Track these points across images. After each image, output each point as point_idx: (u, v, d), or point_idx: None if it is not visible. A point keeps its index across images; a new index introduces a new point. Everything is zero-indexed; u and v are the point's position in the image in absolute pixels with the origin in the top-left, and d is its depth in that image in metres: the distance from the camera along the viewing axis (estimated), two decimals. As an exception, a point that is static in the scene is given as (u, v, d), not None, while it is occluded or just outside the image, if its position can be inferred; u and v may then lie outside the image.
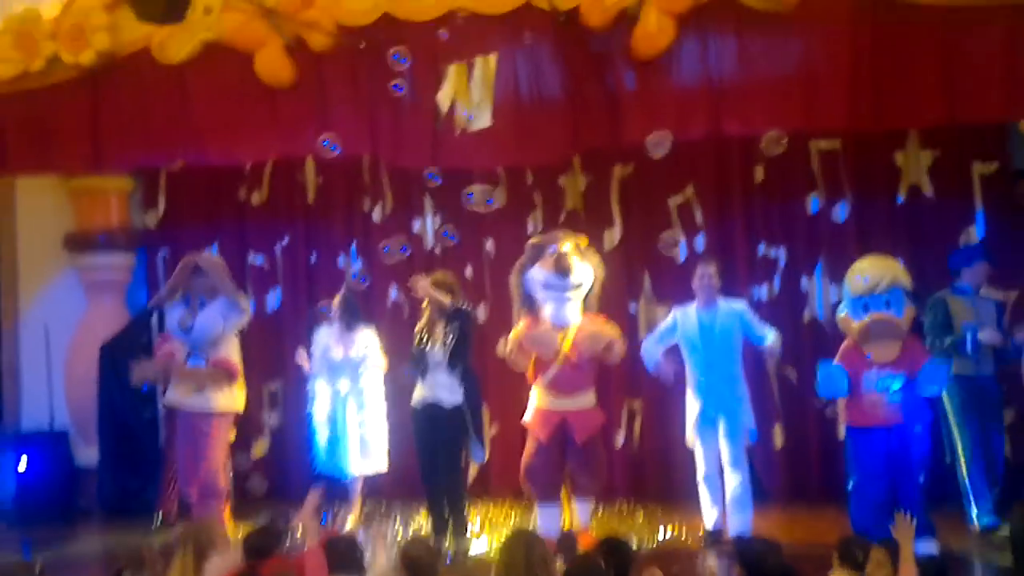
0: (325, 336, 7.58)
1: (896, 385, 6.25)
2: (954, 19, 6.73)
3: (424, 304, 7.12)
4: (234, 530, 7.03)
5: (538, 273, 6.74)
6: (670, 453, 8.15)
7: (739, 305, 7.10)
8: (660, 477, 8.30)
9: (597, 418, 6.93)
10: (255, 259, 8.97)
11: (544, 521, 6.78)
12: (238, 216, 8.99)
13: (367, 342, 7.57)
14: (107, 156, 8.24)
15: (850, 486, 6.49)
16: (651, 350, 7.12)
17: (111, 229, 9.06)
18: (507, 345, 6.78)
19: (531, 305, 6.84)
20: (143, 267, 9.23)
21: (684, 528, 7.28)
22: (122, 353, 8.62)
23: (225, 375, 7.18)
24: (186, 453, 7.26)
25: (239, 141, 8.03)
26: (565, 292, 6.70)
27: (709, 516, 7.03)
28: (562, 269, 6.64)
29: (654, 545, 6.97)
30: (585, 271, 6.76)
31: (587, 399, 6.87)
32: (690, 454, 8.00)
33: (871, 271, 6.33)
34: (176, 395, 7.30)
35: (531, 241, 6.96)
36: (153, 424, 8.70)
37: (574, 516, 6.91)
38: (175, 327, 7.24)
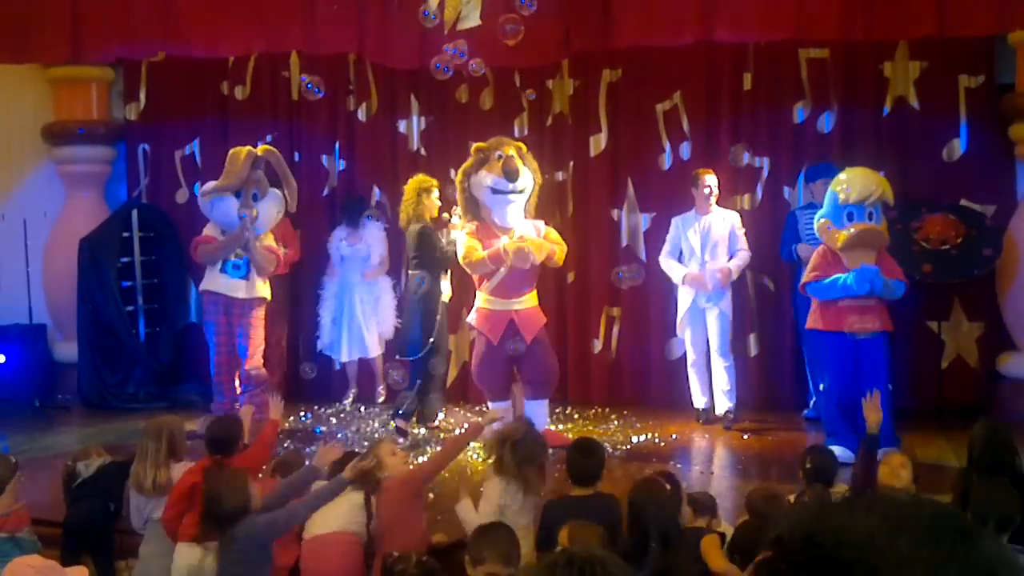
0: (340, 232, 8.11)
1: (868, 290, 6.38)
2: None
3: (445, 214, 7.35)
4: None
5: (485, 177, 6.89)
6: (646, 361, 8.39)
7: (733, 215, 7.62)
8: (635, 384, 8.48)
9: (541, 317, 7.17)
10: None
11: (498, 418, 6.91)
12: (220, 111, 8.95)
13: (373, 238, 8.03)
14: (87, 46, 8.19)
15: (820, 390, 6.76)
16: (669, 264, 7.68)
17: (91, 121, 9.08)
18: (466, 251, 6.92)
19: (475, 208, 7.02)
20: (123, 161, 9.20)
21: (657, 433, 7.41)
22: (101, 247, 8.62)
23: (274, 260, 7.49)
24: (225, 341, 7.45)
25: (223, 34, 7.99)
26: (510, 195, 6.86)
27: (699, 399, 7.66)
28: (509, 172, 6.80)
29: (627, 447, 7.07)
30: (527, 176, 6.92)
31: (531, 299, 7.09)
32: (665, 362, 8.19)
33: (859, 183, 6.47)
34: (219, 283, 7.41)
35: (476, 145, 7.06)
36: (133, 318, 8.72)
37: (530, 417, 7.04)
38: (228, 218, 7.34)
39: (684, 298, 7.62)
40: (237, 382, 7.50)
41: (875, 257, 6.46)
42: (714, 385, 7.69)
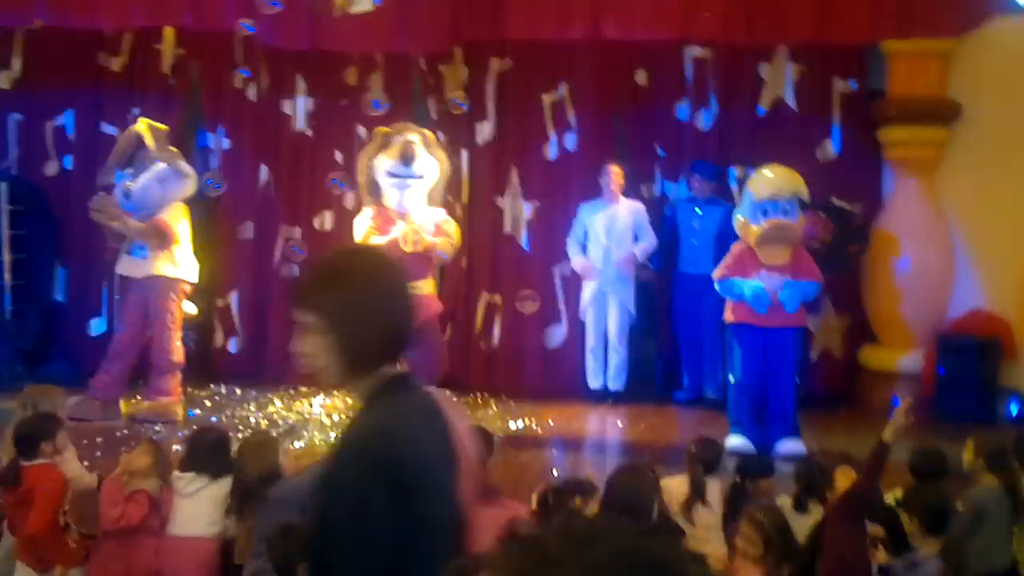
0: None
1: (784, 287, 6.72)
2: None
3: None
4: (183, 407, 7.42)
5: (383, 161, 7.08)
6: (525, 349, 8.61)
7: (638, 205, 8.10)
8: (513, 372, 8.68)
9: (434, 305, 7.38)
10: (107, 128, 8.72)
11: None
12: (96, 83, 8.85)
13: None
14: None
15: (730, 382, 7.05)
16: (573, 250, 8.10)
17: None
18: (364, 236, 7.09)
19: (376, 191, 7.18)
20: None
21: (534, 420, 7.57)
22: None
23: (156, 233, 7.23)
24: (133, 323, 7.34)
25: (102, 4, 7.98)
26: (407, 180, 7.00)
27: (593, 380, 8.17)
28: (406, 157, 7.00)
29: (505, 434, 7.20)
30: (430, 164, 7.11)
31: (426, 285, 7.25)
32: (544, 351, 8.31)
33: (775, 181, 6.81)
34: (124, 265, 7.39)
35: (379, 129, 7.21)
36: None
37: None
38: (120, 196, 7.28)
39: (589, 284, 8.08)
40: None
41: (790, 252, 6.77)
42: (608, 368, 8.17)
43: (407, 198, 7.07)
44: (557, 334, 8.62)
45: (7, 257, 8.62)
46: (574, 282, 8.49)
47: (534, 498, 4.56)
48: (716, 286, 6.91)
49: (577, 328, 8.52)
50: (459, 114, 8.24)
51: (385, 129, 7.16)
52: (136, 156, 7.31)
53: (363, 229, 7.03)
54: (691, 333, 8.24)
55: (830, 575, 4.22)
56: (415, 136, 7.06)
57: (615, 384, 8.20)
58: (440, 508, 2.30)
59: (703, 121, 8.40)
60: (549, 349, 8.60)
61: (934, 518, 4.23)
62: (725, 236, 7.45)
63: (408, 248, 6.96)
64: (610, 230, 7.95)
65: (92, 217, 7.44)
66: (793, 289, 6.66)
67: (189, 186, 7.50)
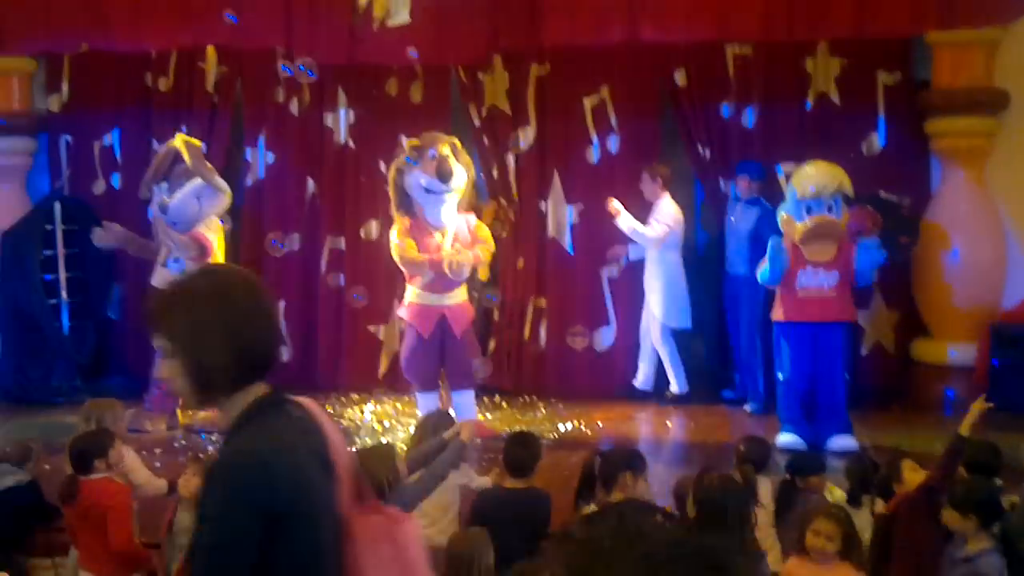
0: None
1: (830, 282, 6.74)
2: None
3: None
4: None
5: (419, 177, 7.05)
6: (573, 351, 8.54)
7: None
8: (562, 374, 8.74)
9: (470, 312, 7.42)
10: (156, 146, 8.78)
11: (425, 409, 7.21)
12: (143, 102, 9.02)
13: None
14: (9, 38, 8.29)
15: (779, 379, 7.08)
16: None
17: (12, 112, 9.10)
18: (402, 250, 7.11)
19: (408, 205, 7.17)
20: (45, 152, 9.25)
21: (583, 422, 7.58)
22: (23, 241, 8.62)
23: (196, 246, 7.41)
24: None
25: (147, 27, 8.13)
26: (443, 195, 7.04)
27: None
28: (443, 174, 6.97)
29: (555, 437, 7.28)
30: (460, 173, 7.11)
31: (461, 293, 7.32)
32: (593, 353, 8.65)
33: (818, 178, 6.80)
34: (161, 277, 7.50)
35: (409, 142, 7.24)
36: (56, 312, 8.67)
37: (455, 407, 7.36)
38: (156, 210, 7.47)
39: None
40: None
41: (835, 249, 6.79)
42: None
43: (444, 212, 7.10)
44: (606, 336, 8.66)
45: (63, 275, 8.80)
46: (621, 284, 8.57)
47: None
48: (760, 279, 6.89)
49: (625, 329, 8.58)
50: (501, 121, 8.27)
51: (415, 141, 7.17)
52: (172, 171, 7.46)
53: (398, 242, 7.08)
54: (736, 333, 8.25)
55: (904, 571, 4.20)
56: (446, 148, 7.05)
57: (669, 385, 8.31)
58: (319, 525, 2.31)
59: (747, 119, 8.37)
60: (597, 351, 8.62)
61: (986, 512, 4.19)
62: (759, 236, 7.45)
63: (451, 274, 7.02)
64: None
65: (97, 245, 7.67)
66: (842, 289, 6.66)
67: (224, 201, 7.65)
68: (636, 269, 8.45)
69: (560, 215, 8.66)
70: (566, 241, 8.68)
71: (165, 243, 7.56)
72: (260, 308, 2.37)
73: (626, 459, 4.64)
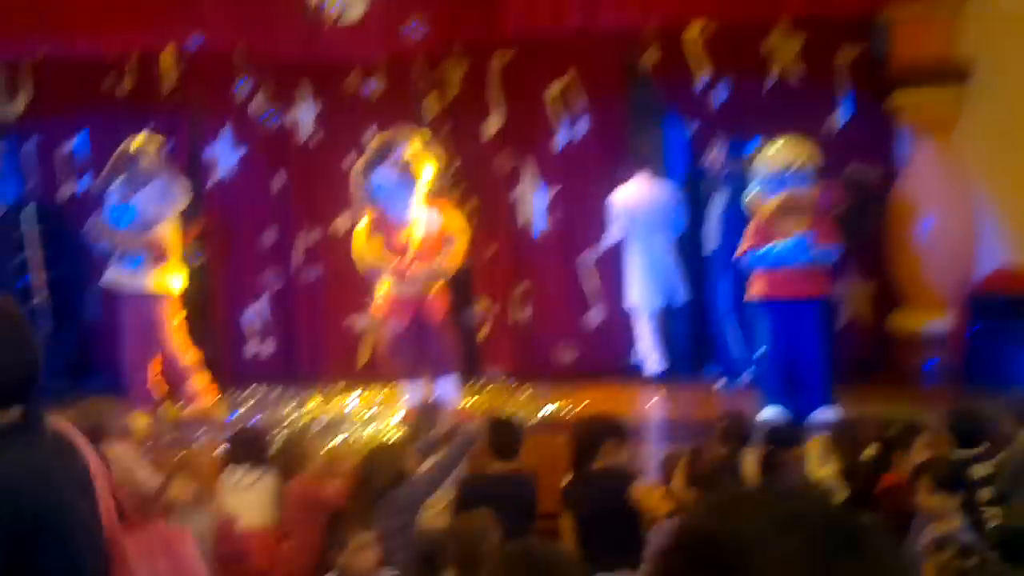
0: None
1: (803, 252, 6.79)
2: None
3: None
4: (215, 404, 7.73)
5: (386, 177, 7.05)
6: (555, 334, 8.76)
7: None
8: (543, 357, 8.82)
9: (445, 300, 7.49)
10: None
11: (412, 397, 7.35)
12: (106, 105, 8.96)
13: None
14: None
15: (759, 355, 7.15)
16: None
17: None
18: (358, 252, 7.23)
19: (372, 199, 7.20)
20: (10, 157, 9.22)
21: (566, 404, 7.64)
22: None
23: (156, 247, 7.48)
24: (134, 337, 7.55)
25: (104, 32, 8.12)
26: (408, 190, 7.06)
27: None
28: (411, 176, 7.00)
29: (536, 420, 7.33)
30: (428, 169, 7.13)
31: (435, 287, 7.36)
32: (572, 336, 8.73)
33: (786, 153, 6.85)
34: (114, 276, 7.58)
35: (377, 138, 7.27)
36: (33, 315, 8.82)
37: (438, 393, 7.40)
38: (114, 211, 7.50)
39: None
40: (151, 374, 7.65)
41: (807, 222, 6.82)
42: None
43: (411, 206, 7.11)
44: (590, 318, 8.77)
45: (41, 277, 8.77)
46: (601, 266, 8.69)
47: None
48: (743, 261, 6.93)
49: (610, 311, 8.69)
50: (463, 109, 8.33)
51: (383, 136, 7.20)
52: (131, 171, 7.48)
53: (362, 242, 7.15)
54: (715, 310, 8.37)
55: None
56: (412, 142, 7.06)
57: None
58: (76, 545, 2.32)
59: (716, 98, 8.35)
60: (581, 332, 8.74)
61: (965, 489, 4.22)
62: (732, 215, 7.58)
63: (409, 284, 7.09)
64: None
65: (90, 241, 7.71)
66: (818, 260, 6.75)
67: (183, 201, 7.69)
68: (615, 251, 8.59)
69: (533, 200, 8.70)
70: (537, 228, 8.74)
71: (118, 243, 7.54)
72: (7, 333, 2.36)
73: (607, 428, 4.68)
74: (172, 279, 7.60)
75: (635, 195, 8.27)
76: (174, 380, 7.60)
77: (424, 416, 5.43)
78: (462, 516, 4.18)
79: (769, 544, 1.23)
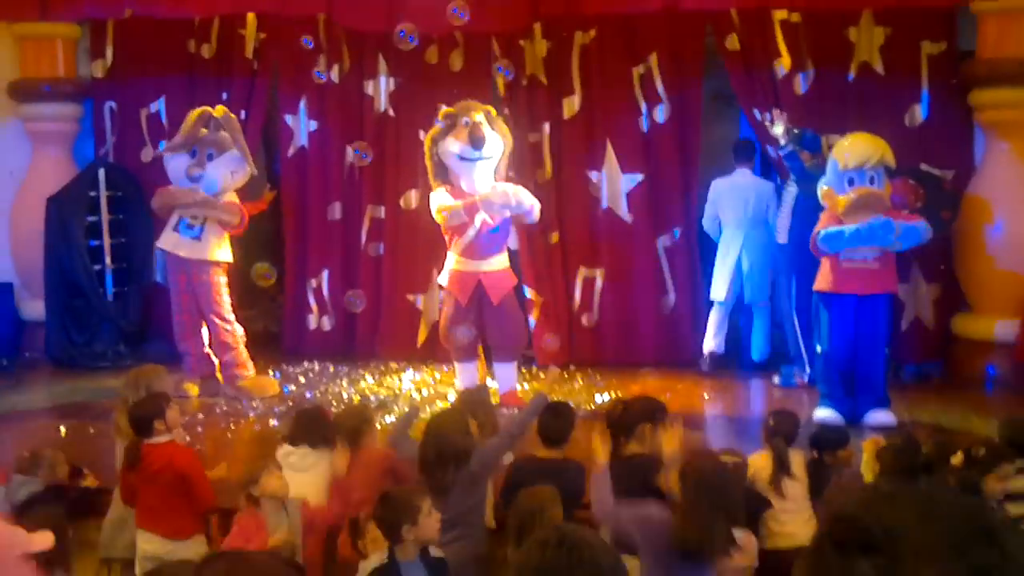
0: None
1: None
2: None
3: None
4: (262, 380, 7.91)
5: (452, 144, 7.21)
6: (621, 322, 8.78)
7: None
8: (607, 345, 8.85)
9: (510, 280, 7.52)
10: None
11: (464, 379, 7.46)
12: (187, 69, 9.20)
13: None
14: (54, 4, 8.47)
15: (819, 352, 7.15)
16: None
17: (57, 78, 9.34)
18: (440, 205, 7.25)
19: (444, 173, 7.35)
20: (90, 118, 9.48)
21: (620, 393, 7.60)
22: (68, 206, 8.79)
23: (233, 214, 7.68)
24: (187, 306, 7.76)
25: None
26: (476, 163, 7.19)
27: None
28: (476, 140, 7.12)
29: (592, 408, 7.34)
30: (496, 140, 7.25)
31: (500, 261, 7.43)
32: (634, 326, 8.76)
33: (860, 149, 6.83)
34: (171, 241, 7.75)
35: (444, 110, 7.40)
36: (100, 277, 9.11)
37: (494, 379, 7.55)
38: (180, 176, 7.65)
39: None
40: (206, 340, 7.79)
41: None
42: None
43: (478, 179, 7.22)
44: (666, 305, 8.82)
45: (107, 241, 8.98)
46: (676, 252, 8.75)
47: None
48: (819, 243, 6.85)
49: (684, 297, 8.75)
50: (542, 88, 8.35)
51: (450, 109, 7.30)
52: (203, 140, 7.66)
53: (444, 201, 7.20)
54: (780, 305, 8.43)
55: None
56: (480, 116, 7.17)
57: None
58: None
59: (799, 86, 8.29)
60: (654, 320, 8.77)
61: None
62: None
63: (483, 206, 7.10)
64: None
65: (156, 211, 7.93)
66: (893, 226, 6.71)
67: (246, 178, 7.88)
68: (694, 239, 8.73)
69: (613, 185, 8.71)
70: (622, 210, 8.74)
71: (181, 209, 7.69)
72: None
73: (647, 410, 4.67)
74: (225, 249, 7.77)
75: (737, 187, 8.31)
76: (220, 351, 7.78)
77: (473, 400, 5.46)
78: (525, 491, 4.17)
79: (912, 532, 1.43)
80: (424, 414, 6.06)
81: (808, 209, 7.26)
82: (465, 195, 7.20)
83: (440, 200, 7.21)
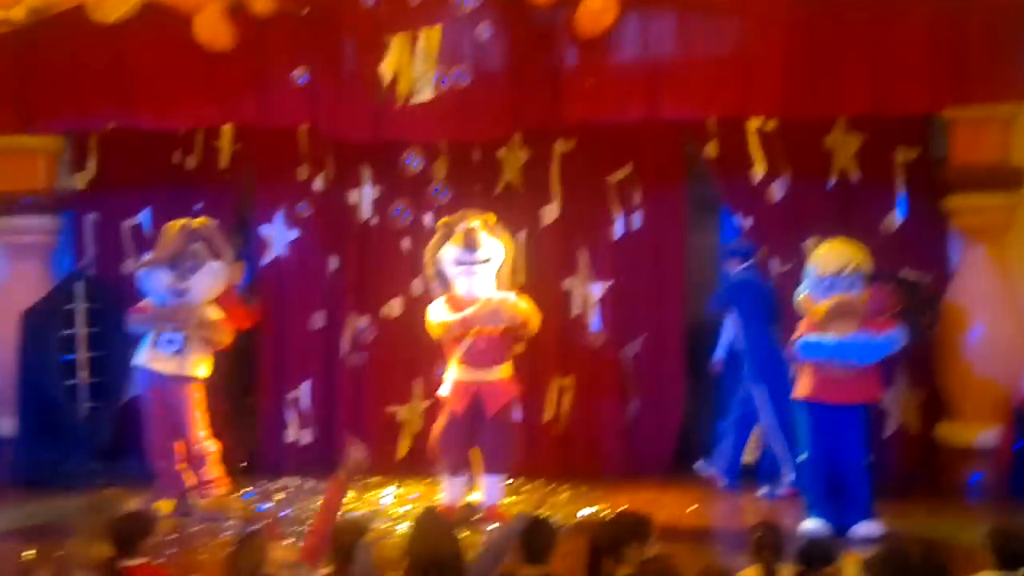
0: None
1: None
2: (881, 10, 7.46)
3: None
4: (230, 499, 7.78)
5: (449, 250, 7.40)
6: (598, 432, 8.76)
7: None
8: (587, 456, 8.83)
9: (510, 391, 7.53)
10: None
11: (451, 493, 7.42)
12: (171, 181, 9.21)
13: None
14: (36, 116, 8.55)
15: (801, 461, 7.16)
16: None
17: (37, 191, 9.29)
18: (437, 324, 7.38)
19: (444, 282, 7.49)
20: (69, 231, 9.47)
21: (607, 505, 7.61)
22: (44, 320, 8.86)
23: (222, 331, 7.72)
24: (160, 421, 7.71)
25: (174, 106, 8.37)
26: (474, 266, 7.33)
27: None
28: (470, 244, 7.29)
29: (575, 521, 7.32)
30: (494, 246, 7.43)
31: (501, 372, 7.45)
32: (617, 433, 8.69)
33: (837, 256, 6.95)
34: (148, 357, 7.71)
35: (441, 221, 7.59)
36: (73, 393, 8.97)
37: (482, 491, 7.51)
38: (161, 291, 7.68)
39: None
40: (180, 458, 7.75)
41: (856, 328, 6.87)
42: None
43: (476, 284, 7.33)
44: (634, 413, 8.83)
45: (83, 355, 8.91)
46: (644, 359, 8.77)
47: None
48: (797, 351, 6.91)
49: (652, 408, 8.74)
50: (520, 195, 8.57)
51: (446, 219, 7.46)
52: (182, 254, 7.67)
53: (440, 313, 7.30)
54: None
55: None
56: (477, 222, 7.33)
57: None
58: None
59: (775, 193, 8.43)
60: (624, 430, 8.74)
61: None
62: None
63: (478, 319, 7.16)
64: None
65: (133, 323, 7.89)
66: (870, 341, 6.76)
67: (231, 284, 7.94)
68: (658, 347, 8.71)
69: (586, 293, 8.78)
70: (592, 319, 8.79)
71: (166, 324, 7.64)
72: None
73: (630, 528, 4.56)
74: (202, 364, 7.75)
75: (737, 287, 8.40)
76: (194, 468, 7.70)
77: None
78: None
79: None
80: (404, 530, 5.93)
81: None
82: (463, 303, 7.29)
83: (435, 313, 7.33)
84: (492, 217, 7.50)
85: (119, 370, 8.92)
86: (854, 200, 8.38)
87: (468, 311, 7.22)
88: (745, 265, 8.20)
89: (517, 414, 7.91)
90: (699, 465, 8.51)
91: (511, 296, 7.43)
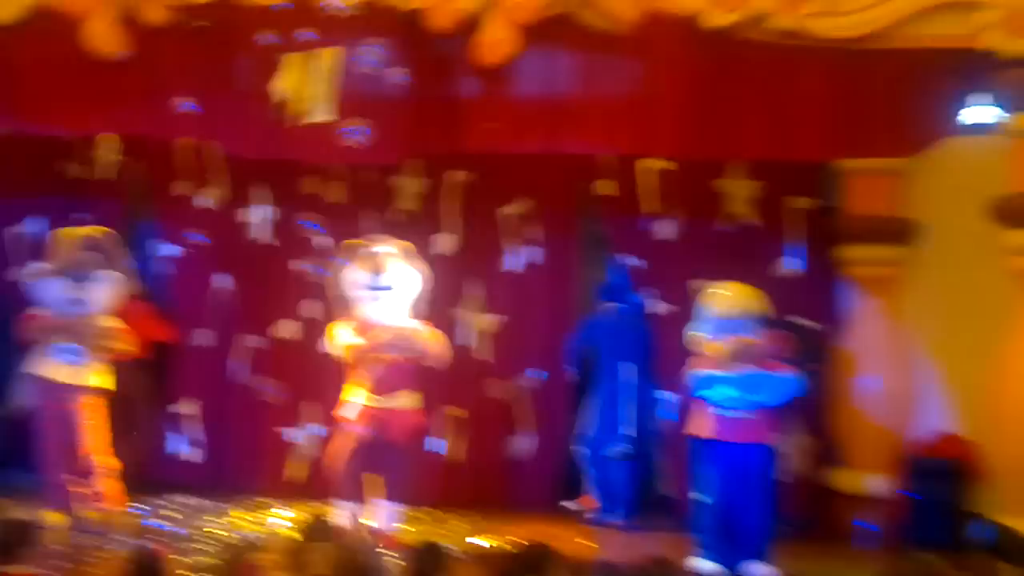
0: None
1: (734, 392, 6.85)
2: (782, 60, 7.45)
3: None
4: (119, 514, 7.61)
5: (354, 274, 7.37)
6: (488, 463, 8.74)
7: None
8: (476, 486, 8.78)
9: (413, 419, 7.49)
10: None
11: (345, 517, 7.25)
12: (56, 189, 9.01)
13: None
14: None
15: (697, 501, 7.10)
16: None
17: None
18: (333, 344, 7.35)
19: (349, 307, 7.45)
20: None
21: (493, 538, 7.37)
22: None
23: (124, 340, 7.56)
24: (57, 431, 7.51)
25: (60, 112, 8.11)
26: (377, 291, 7.29)
27: None
28: (375, 269, 7.27)
29: (463, 550, 7.01)
30: (404, 274, 7.39)
31: (404, 400, 7.39)
32: (506, 465, 8.69)
33: (735, 298, 6.97)
34: (43, 367, 7.54)
35: (350, 242, 7.54)
36: None
37: (377, 517, 7.41)
38: (57, 300, 7.49)
39: None
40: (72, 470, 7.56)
41: (754, 369, 6.89)
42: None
43: (379, 309, 7.30)
44: (522, 446, 8.76)
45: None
46: (533, 393, 8.74)
47: None
48: (691, 385, 6.95)
49: (547, 440, 8.70)
50: (413, 223, 8.52)
51: (356, 241, 7.40)
52: (75, 262, 7.50)
53: (346, 335, 7.24)
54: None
55: None
56: (386, 247, 7.31)
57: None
58: None
59: (666, 233, 8.51)
60: (514, 463, 8.74)
61: None
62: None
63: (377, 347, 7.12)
64: None
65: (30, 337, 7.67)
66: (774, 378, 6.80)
67: (127, 294, 7.74)
68: (547, 381, 8.72)
69: (477, 324, 8.75)
70: (483, 350, 8.76)
71: (62, 334, 7.46)
72: None
73: (535, 559, 4.52)
74: (100, 375, 7.62)
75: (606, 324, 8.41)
76: (87, 481, 7.53)
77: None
78: None
79: None
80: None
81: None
82: (367, 327, 7.25)
83: (341, 335, 7.28)
84: (410, 246, 7.48)
85: (4, 379, 8.76)
86: (747, 245, 8.44)
87: (380, 337, 7.20)
88: (619, 305, 8.29)
89: (428, 443, 7.96)
90: (565, 504, 8.53)
91: (422, 326, 7.41)
